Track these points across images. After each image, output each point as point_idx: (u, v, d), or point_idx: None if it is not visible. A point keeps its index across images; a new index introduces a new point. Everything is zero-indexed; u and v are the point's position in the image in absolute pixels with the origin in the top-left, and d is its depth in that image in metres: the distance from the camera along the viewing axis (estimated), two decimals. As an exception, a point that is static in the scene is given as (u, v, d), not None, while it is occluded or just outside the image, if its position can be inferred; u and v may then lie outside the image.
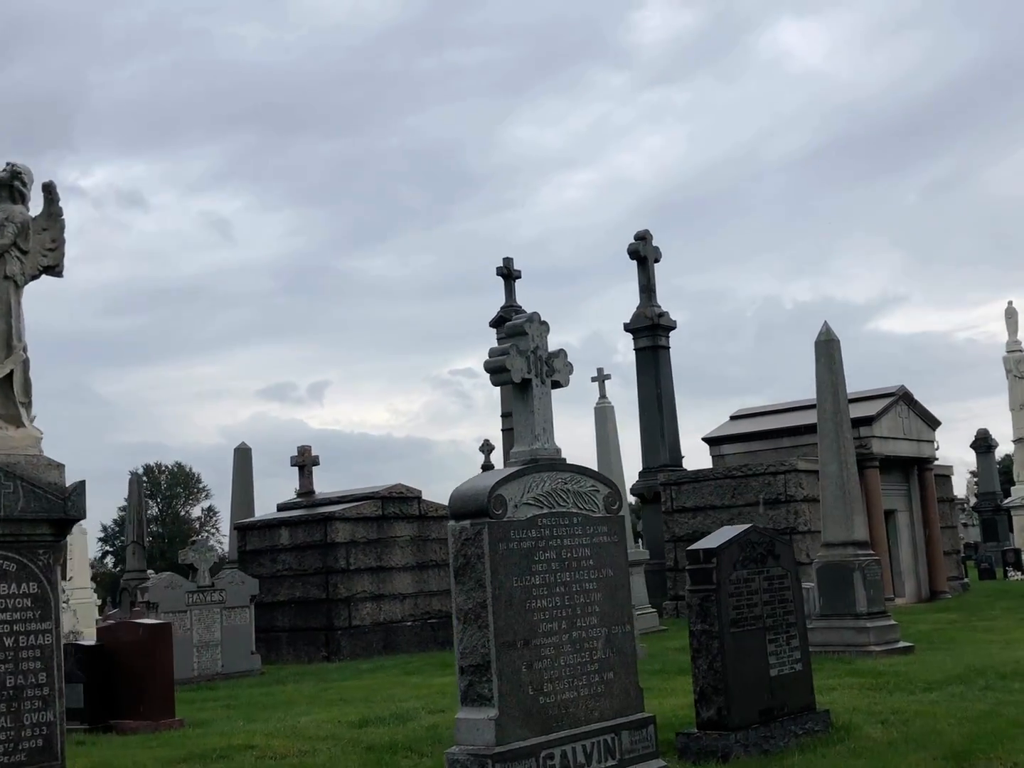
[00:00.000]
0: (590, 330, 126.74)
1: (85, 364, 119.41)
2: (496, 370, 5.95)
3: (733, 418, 25.94)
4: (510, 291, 22.63)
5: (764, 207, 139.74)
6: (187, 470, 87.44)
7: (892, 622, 12.85)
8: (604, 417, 19.35)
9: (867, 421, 22.40)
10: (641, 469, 24.98)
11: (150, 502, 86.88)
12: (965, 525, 51.67)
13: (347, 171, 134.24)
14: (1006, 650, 12.15)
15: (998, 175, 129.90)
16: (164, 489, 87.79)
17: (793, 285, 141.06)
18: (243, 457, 25.18)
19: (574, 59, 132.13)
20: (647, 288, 25.27)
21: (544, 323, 6.15)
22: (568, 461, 6.15)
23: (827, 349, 13.30)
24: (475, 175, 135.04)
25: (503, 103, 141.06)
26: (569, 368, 6.27)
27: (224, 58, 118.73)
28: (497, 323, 22.57)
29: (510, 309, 22.57)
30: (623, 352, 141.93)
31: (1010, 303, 32.72)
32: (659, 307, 25.10)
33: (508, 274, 22.71)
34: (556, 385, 6.20)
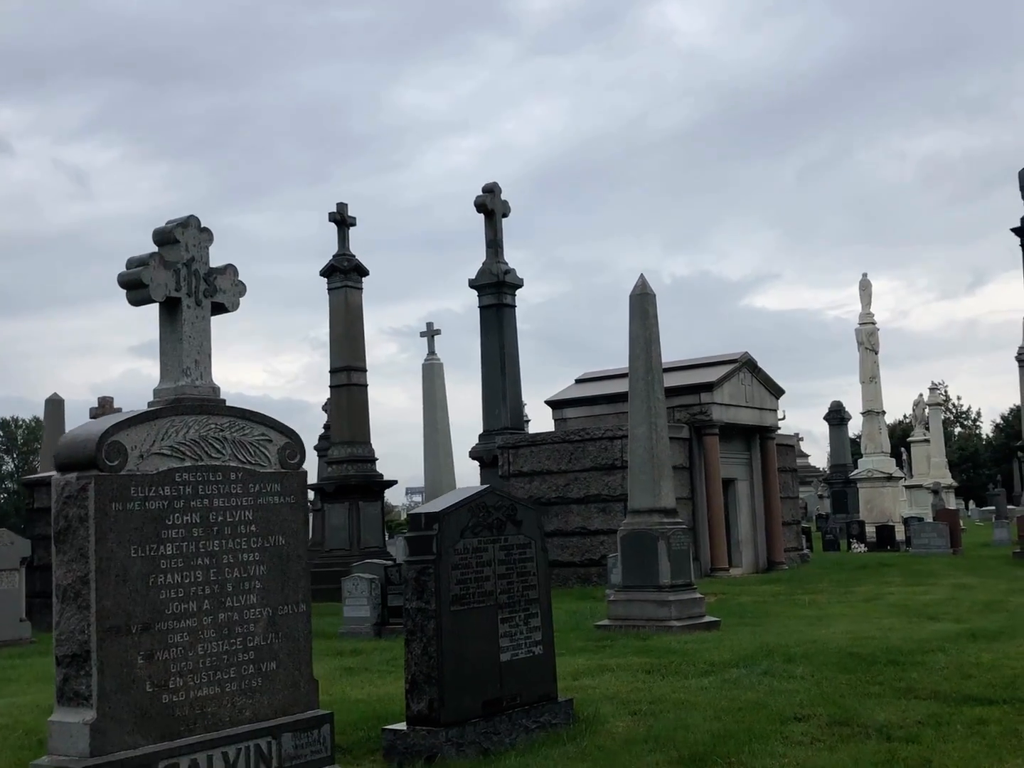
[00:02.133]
0: (472, 296, 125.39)
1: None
2: (131, 285, 4.74)
3: (578, 381, 25.16)
4: (343, 239, 21.28)
5: (645, 181, 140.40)
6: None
7: (697, 595, 12.11)
8: (432, 374, 18.32)
9: (708, 387, 21.83)
10: (481, 432, 23.98)
11: (5, 457, 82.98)
12: (821, 496, 52.30)
13: (225, 126, 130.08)
14: (813, 627, 11.50)
15: (872, 157, 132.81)
16: (21, 444, 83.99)
17: (671, 259, 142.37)
18: (55, 409, 23.37)
19: (461, 24, 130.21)
20: (494, 243, 24.14)
21: (205, 230, 4.96)
22: (231, 404, 5.00)
23: (641, 304, 12.42)
24: (359, 136, 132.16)
25: (389, 65, 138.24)
26: (240, 289, 5.10)
27: (99, 3, 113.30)
28: (327, 272, 21.23)
29: (343, 258, 21.22)
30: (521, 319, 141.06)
31: (864, 275, 32.64)
32: (505, 264, 24.03)
33: (342, 220, 21.34)
34: (220, 309, 5.03)
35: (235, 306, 5.04)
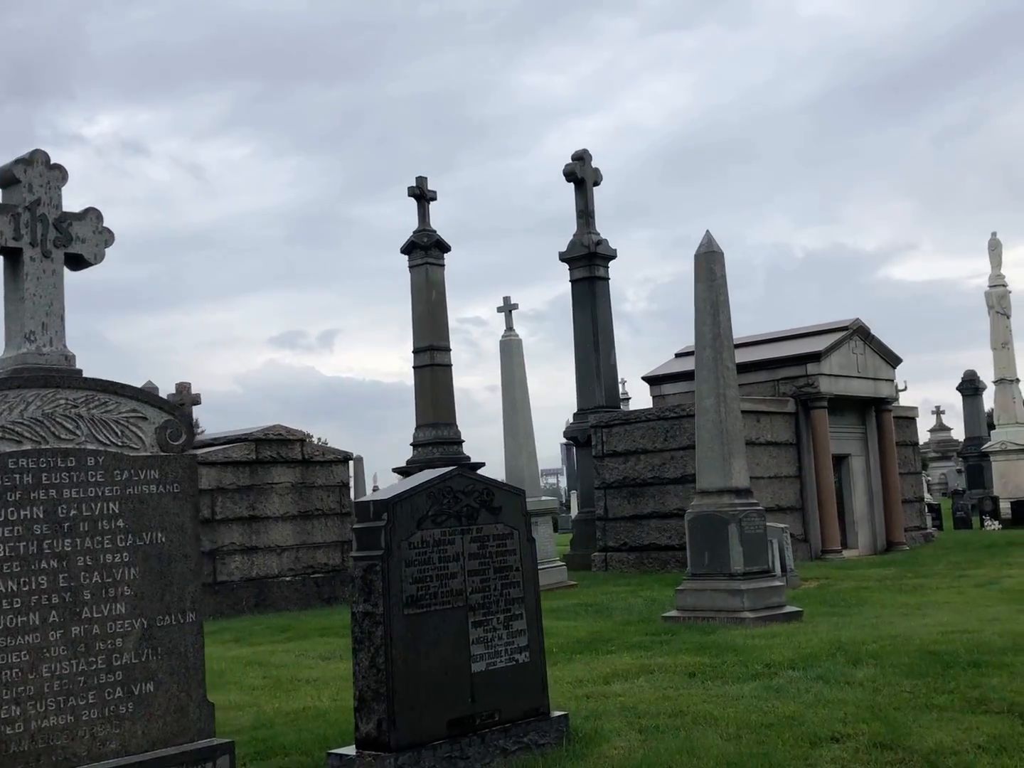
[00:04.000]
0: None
1: (96, 312, 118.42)
2: (-43, 236, 3.98)
3: (678, 355, 23.90)
4: (424, 214, 20.52)
5: (773, 154, 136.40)
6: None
7: (775, 583, 10.95)
8: (510, 351, 17.42)
9: (815, 357, 20.40)
10: (576, 411, 23.03)
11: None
12: (960, 472, 49.60)
13: (351, 118, 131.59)
14: (906, 617, 10.24)
15: (1012, 121, 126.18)
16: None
17: (802, 232, 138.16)
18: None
19: (578, 4, 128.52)
20: (584, 213, 23.13)
21: (56, 167, 4.16)
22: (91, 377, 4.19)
23: (707, 262, 11.27)
24: (480, 122, 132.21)
25: (506, 49, 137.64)
26: (105, 238, 4.29)
27: (225, 4, 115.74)
28: (408, 249, 20.52)
29: (423, 234, 20.47)
30: (633, 301, 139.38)
31: (993, 235, 30.30)
32: (597, 234, 22.99)
33: (421, 195, 20.58)
34: (79, 262, 4.23)
35: (99, 258, 4.24)
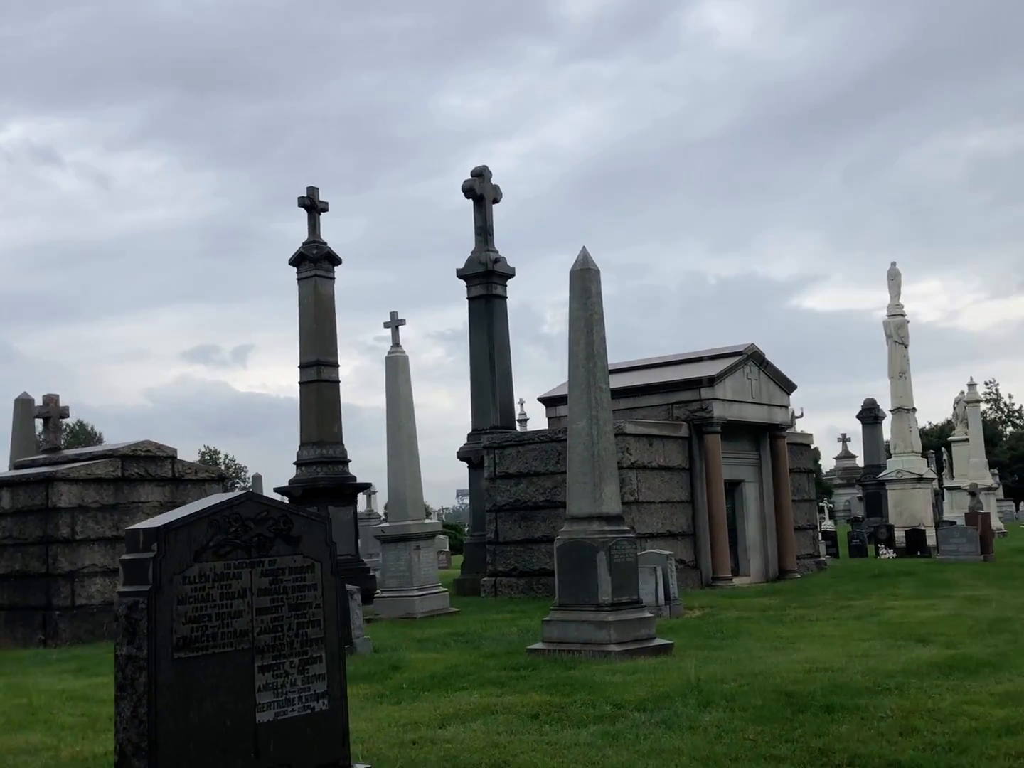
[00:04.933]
0: (516, 300, 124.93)
1: (3, 322, 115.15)
2: None
3: (575, 377, 23.56)
4: (314, 225, 19.88)
5: (688, 183, 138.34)
6: (88, 429, 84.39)
7: (645, 615, 10.51)
8: (395, 368, 16.85)
9: (708, 382, 20.17)
10: (470, 431, 22.54)
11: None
12: (861, 499, 50.19)
13: (268, 134, 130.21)
14: (775, 652, 9.89)
15: (919, 157, 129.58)
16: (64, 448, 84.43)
17: (716, 260, 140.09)
18: (24, 408, 22.27)
19: (500, 30, 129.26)
20: (483, 230, 22.72)
21: None
22: None
23: (583, 280, 10.87)
24: (401, 142, 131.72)
25: (426, 71, 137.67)
26: None
27: (144, 14, 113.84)
28: (296, 261, 19.86)
29: (312, 246, 19.82)
30: (550, 323, 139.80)
31: (893, 264, 30.57)
32: (496, 252, 22.58)
33: (312, 205, 19.96)
34: None
35: None
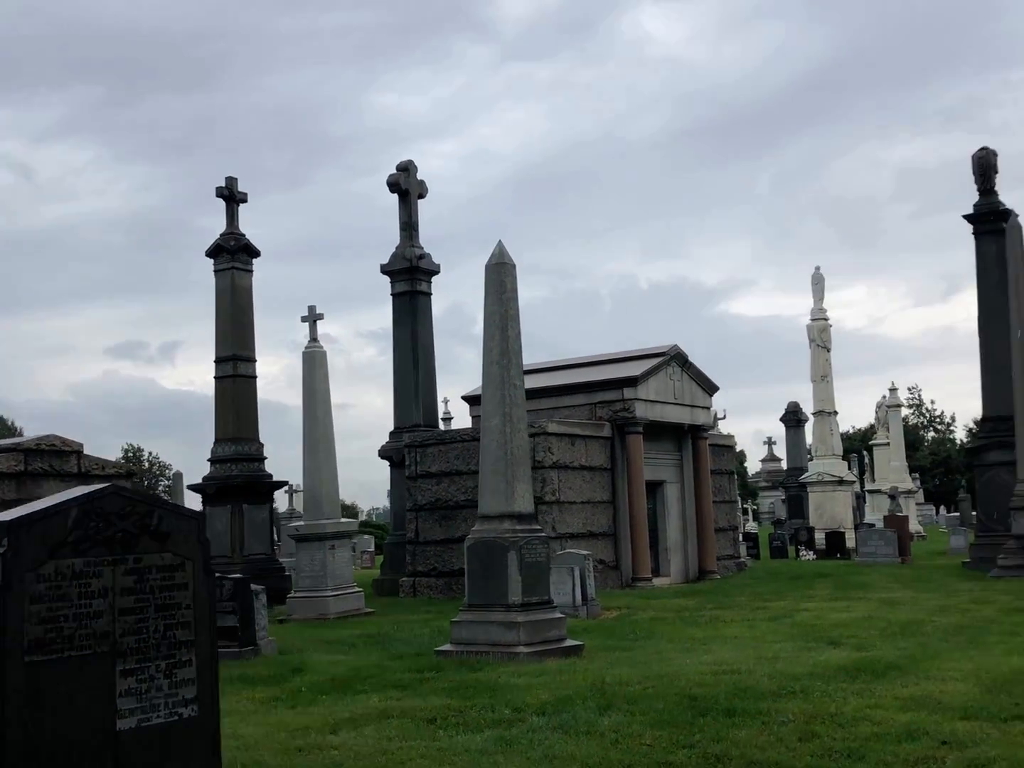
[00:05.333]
0: (451, 300, 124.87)
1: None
2: None
3: (499, 376, 23.36)
4: (232, 216, 19.41)
5: (622, 187, 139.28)
6: (9, 424, 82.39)
7: (556, 616, 10.32)
8: (313, 363, 16.49)
9: (631, 382, 20.09)
10: (392, 429, 22.22)
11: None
12: (784, 501, 50.74)
13: (200, 127, 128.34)
14: (686, 654, 9.76)
15: (846, 166, 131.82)
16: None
17: (648, 264, 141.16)
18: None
19: (438, 29, 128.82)
20: (408, 225, 22.41)
21: None
22: None
23: (498, 274, 10.65)
24: (336, 139, 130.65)
25: (362, 68, 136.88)
26: None
27: (73, 4, 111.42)
28: (214, 252, 19.38)
29: (230, 237, 19.37)
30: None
31: (817, 269, 30.85)
32: (420, 248, 22.29)
33: (231, 196, 19.48)
34: None
35: None
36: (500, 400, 10.47)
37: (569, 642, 10.21)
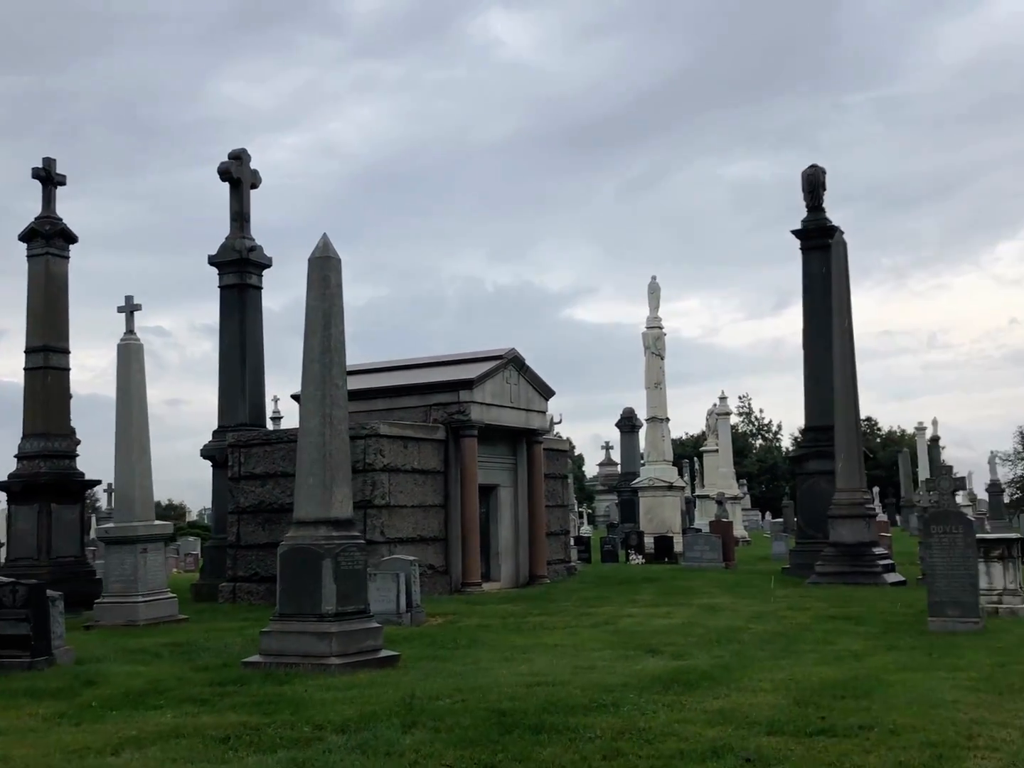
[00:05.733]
0: (291, 296, 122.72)
1: None
2: None
3: (332, 375, 22.80)
4: (48, 199, 18.30)
5: (470, 190, 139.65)
6: None
7: (372, 625, 9.97)
8: (128, 356, 15.66)
9: (467, 385, 19.84)
10: (216, 428, 21.41)
11: None
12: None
13: (33, 109, 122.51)
14: (505, 663, 9.56)
15: (687, 179, 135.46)
16: None
17: (494, 268, 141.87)
18: None
19: (284, 20, 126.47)
20: (240, 216, 21.64)
21: None
22: None
23: (322, 269, 10.23)
24: (176, 126, 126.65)
25: (206, 55, 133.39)
26: None
27: None
28: (27, 236, 18.25)
29: (45, 221, 18.27)
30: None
31: (653, 278, 31.34)
32: (252, 239, 21.55)
33: (48, 177, 18.38)
34: None
35: None
36: (320, 400, 10.05)
37: (385, 653, 9.87)
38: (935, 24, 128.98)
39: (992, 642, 10.59)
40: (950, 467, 15.35)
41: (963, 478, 57.13)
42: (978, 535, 13.11)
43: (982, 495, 55.64)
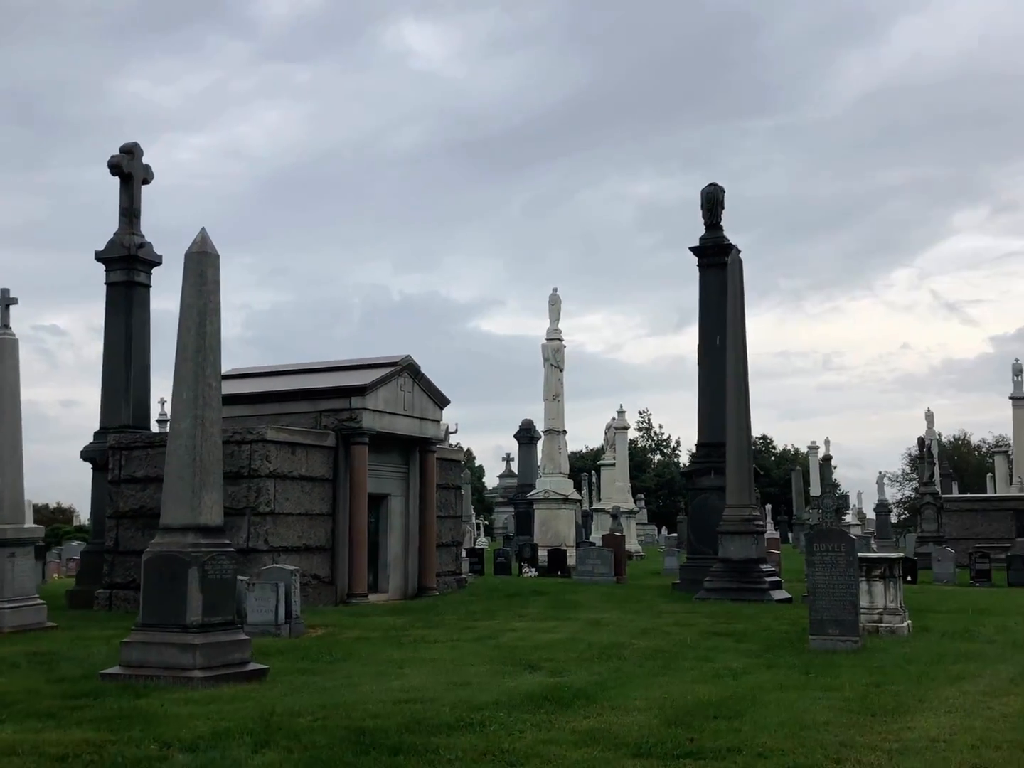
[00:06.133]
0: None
1: None
2: None
3: (224, 378, 22.19)
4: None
5: (378, 198, 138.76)
6: None
7: (239, 637, 9.56)
8: (1, 352, 14.96)
9: (359, 391, 19.45)
10: (97, 429, 20.66)
11: None
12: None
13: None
14: (380, 678, 9.24)
15: (592, 197, 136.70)
16: None
17: (401, 277, 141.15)
18: None
19: (192, 20, 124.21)
20: (129, 212, 20.98)
21: None
22: None
23: (199, 264, 9.83)
24: (79, 122, 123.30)
25: (110, 51, 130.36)
26: None
27: None
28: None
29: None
30: (229, 326, 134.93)
31: (554, 290, 31.31)
32: (141, 236, 20.90)
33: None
34: None
35: None
36: (192, 400, 9.63)
37: (253, 666, 9.48)
38: (836, 53, 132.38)
39: (870, 661, 10.61)
40: (834, 486, 15.55)
41: (846, 497, 58.62)
42: (860, 554, 13.21)
43: (871, 515, 56.92)
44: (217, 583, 9.35)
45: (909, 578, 23.09)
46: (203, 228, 9.97)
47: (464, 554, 25.80)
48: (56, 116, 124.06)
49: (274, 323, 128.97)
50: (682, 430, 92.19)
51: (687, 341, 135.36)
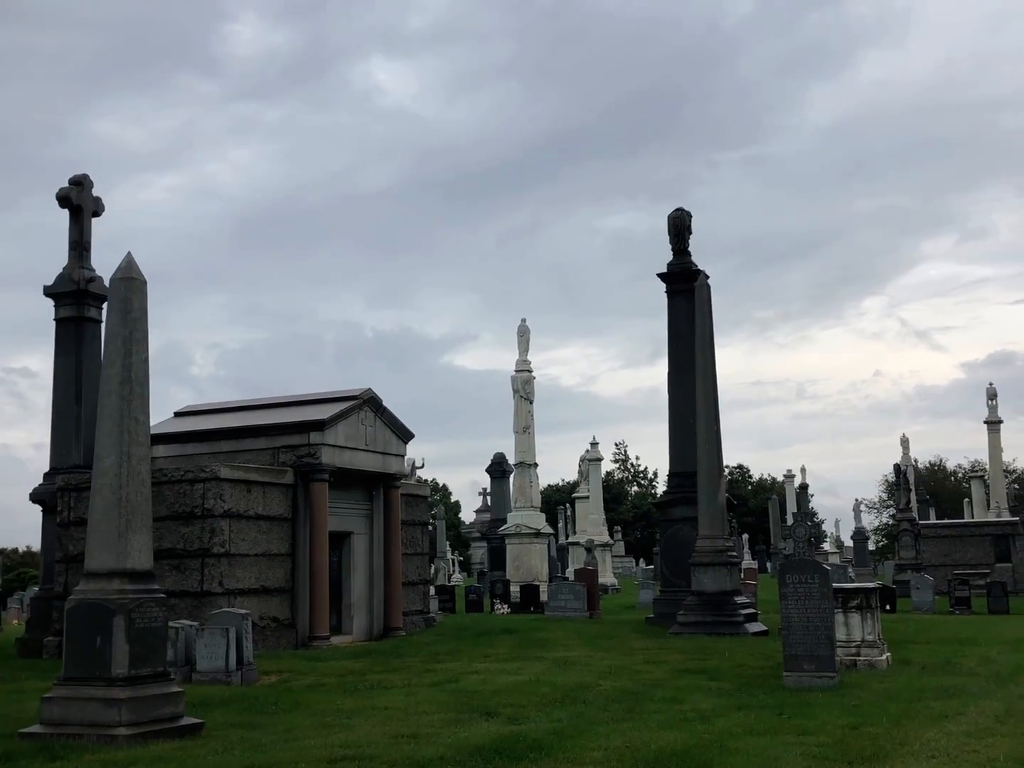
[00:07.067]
0: (166, 339, 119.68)
1: None
2: None
3: (178, 415, 21.55)
4: None
5: (350, 235, 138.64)
6: None
7: (171, 690, 8.88)
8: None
9: (318, 425, 18.78)
10: (47, 470, 19.92)
11: None
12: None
13: None
14: (322, 731, 8.60)
15: (565, 231, 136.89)
16: None
17: (373, 314, 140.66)
18: None
19: (161, 61, 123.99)
20: (79, 245, 20.33)
21: None
22: None
23: (125, 290, 9.22)
24: (48, 163, 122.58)
25: (77, 92, 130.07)
26: None
27: None
28: None
29: None
30: (200, 364, 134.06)
31: (523, 321, 30.79)
32: (92, 270, 20.24)
33: None
34: None
35: None
36: (118, 437, 9.01)
37: (187, 721, 8.80)
38: (804, 86, 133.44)
39: (847, 699, 10.03)
40: (807, 514, 14.99)
41: (820, 525, 58.12)
42: (836, 584, 12.66)
43: (849, 542, 56.45)
44: (145, 632, 8.68)
45: (888, 607, 22.59)
46: (128, 252, 9.38)
47: (433, 592, 25.10)
48: (24, 157, 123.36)
49: (247, 362, 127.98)
50: (659, 461, 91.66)
51: (661, 372, 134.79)
